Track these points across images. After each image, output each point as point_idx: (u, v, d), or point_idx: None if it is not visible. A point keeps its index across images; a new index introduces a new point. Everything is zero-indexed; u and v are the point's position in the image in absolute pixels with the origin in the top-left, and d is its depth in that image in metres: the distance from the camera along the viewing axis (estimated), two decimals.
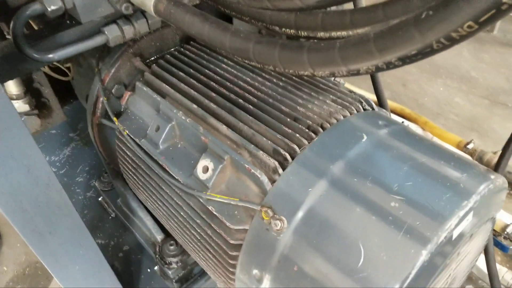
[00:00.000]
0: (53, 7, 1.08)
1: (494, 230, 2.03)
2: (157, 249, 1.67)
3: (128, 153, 1.34)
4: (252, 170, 0.99)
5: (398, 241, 0.80)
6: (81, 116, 2.46)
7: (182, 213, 1.19)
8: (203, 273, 1.77)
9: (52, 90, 1.77)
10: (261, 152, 1.01)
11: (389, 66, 0.60)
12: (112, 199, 1.96)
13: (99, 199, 2.11)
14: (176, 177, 1.14)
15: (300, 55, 0.71)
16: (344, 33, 0.83)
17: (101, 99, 1.44)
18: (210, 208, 1.06)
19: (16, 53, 1.12)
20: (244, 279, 1.05)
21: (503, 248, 2.02)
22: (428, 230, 0.78)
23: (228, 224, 1.02)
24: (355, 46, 0.62)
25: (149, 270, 1.85)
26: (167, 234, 1.70)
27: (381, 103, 1.41)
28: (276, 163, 0.98)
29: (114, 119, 1.35)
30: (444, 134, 2.47)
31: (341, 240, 0.86)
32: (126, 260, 1.90)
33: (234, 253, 1.04)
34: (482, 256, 1.29)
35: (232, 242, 1.03)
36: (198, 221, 1.12)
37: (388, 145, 0.97)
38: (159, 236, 1.68)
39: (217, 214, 1.04)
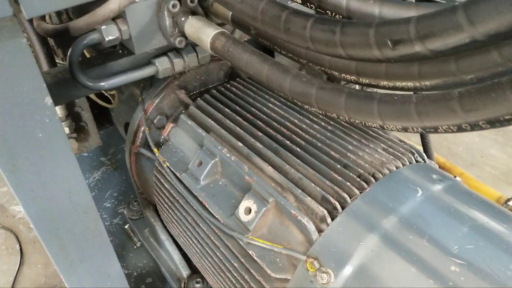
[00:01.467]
0: (110, 37, 1.10)
1: None
2: (182, 285, 1.62)
3: (166, 185, 1.32)
4: (299, 217, 0.95)
5: None
6: (114, 141, 2.49)
7: (218, 254, 1.15)
8: None
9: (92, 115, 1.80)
10: (308, 198, 0.97)
11: (474, 127, 0.56)
12: (140, 229, 1.93)
13: (126, 226, 2.08)
14: (216, 216, 1.11)
15: (370, 106, 0.68)
16: (410, 84, 0.80)
17: (142, 128, 1.44)
18: (250, 252, 1.01)
19: (68, 79, 1.14)
20: None
21: None
22: None
23: (269, 271, 0.97)
24: (436, 103, 0.59)
25: None
26: (194, 271, 1.65)
27: (427, 154, 1.36)
28: (325, 211, 0.94)
29: (155, 150, 1.34)
30: (481, 187, 2.37)
31: None
32: None
33: None
34: None
35: None
36: (235, 264, 1.08)
37: (445, 202, 0.92)
38: (185, 272, 1.64)
39: (257, 260, 1.00)
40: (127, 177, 2.39)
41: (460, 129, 0.58)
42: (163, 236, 1.67)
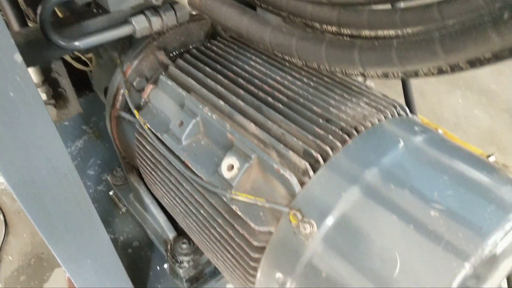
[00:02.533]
0: None
1: None
2: (169, 247, 1.63)
3: (147, 147, 1.31)
4: (281, 171, 0.95)
5: (438, 253, 0.76)
6: (95, 108, 2.44)
7: (202, 212, 1.15)
8: (214, 274, 1.73)
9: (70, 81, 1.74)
10: (291, 152, 0.97)
11: (454, 69, 0.56)
12: (124, 194, 1.93)
13: (110, 193, 2.07)
14: (199, 174, 1.11)
15: (351, 54, 0.67)
16: (392, 32, 0.79)
17: (121, 91, 1.41)
18: (234, 207, 1.02)
19: (40, 40, 1.10)
20: (266, 282, 1.02)
21: None
22: (471, 243, 0.74)
23: (252, 225, 0.98)
24: (417, 46, 0.58)
25: (158, 268, 1.82)
26: (180, 232, 1.66)
27: (410, 108, 1.37)
28: (307, 164, 0.94)
29: (135, 112, 1.32)
30: (463, 145, 2.42)
31: (375, 250, 0.81)
32: (135, 257, 1.87)
33: (257, 256, 1.01)
34: None
35: (255, 244, 0.99)
36: (219, 220, 1.08)
37: (426, 152, 0.93)
38: (171, 234, 1.65)
39: (241, 214, 1.00)
40: (110, 144, 2.36)
41: (440, 71, 0.57)
42: (148, 200, 1.67)
